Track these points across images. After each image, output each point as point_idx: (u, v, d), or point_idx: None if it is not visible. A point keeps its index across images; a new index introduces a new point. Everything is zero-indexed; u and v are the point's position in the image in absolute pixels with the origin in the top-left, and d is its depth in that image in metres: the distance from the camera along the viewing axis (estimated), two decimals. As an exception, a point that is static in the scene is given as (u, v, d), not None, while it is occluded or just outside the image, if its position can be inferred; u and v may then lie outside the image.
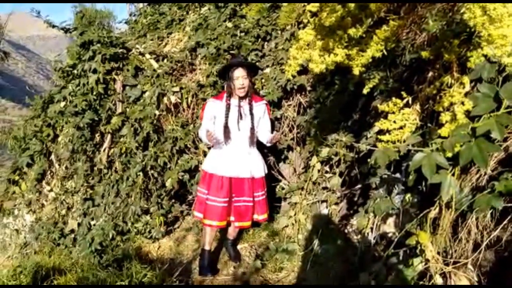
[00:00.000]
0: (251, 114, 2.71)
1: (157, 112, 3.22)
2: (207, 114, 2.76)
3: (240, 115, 2.70)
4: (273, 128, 3.04)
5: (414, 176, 1.68)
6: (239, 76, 2.61)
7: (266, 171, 2.88)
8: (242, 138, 2.72)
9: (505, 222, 1.49)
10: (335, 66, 1.38)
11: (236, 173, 2.71)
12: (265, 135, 2.78)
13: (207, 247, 2.81)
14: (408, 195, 1.95)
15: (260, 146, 2.89)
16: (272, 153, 3.37)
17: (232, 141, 2.69)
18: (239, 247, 3.09)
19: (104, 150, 3.30)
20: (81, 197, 3.31)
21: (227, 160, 2.70)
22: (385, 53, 1.42)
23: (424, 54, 1.44)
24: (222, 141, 2.67)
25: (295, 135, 3.30)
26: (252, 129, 2.71)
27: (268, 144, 2.79)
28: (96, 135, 3.33)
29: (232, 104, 2.70)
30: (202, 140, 2.89)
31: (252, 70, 2.80)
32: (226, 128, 2.66)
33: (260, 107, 2.78)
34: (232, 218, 2.81)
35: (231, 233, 2.96)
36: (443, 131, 1.39)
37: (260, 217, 2.85)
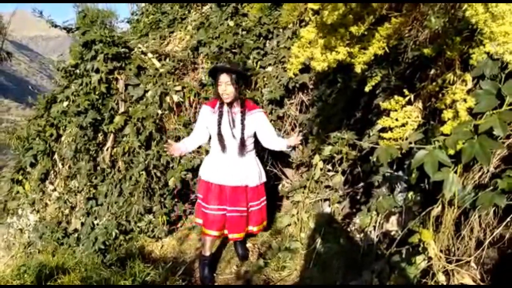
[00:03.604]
0: (242, 124, 2.54)
1: (159, 111, 3.23)
2: (200, 121, 2.65)
3: (233, 123, 2.55)
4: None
5: (417, 174, 1.67)
6: (222, 82, 2.46)
7: (265, 180, 2.75)
8: (235, 146, 2.57)
9: (508, 219, 1.49)
10: (337, 64, 1.38)
11: (224, 181, 2.60)
12: (275, 141, 2.63)
13: (207, 253, 2.75)
14: (410, 193, 1.95)
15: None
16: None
17: (226, 149, 2.56)
18: (242, 246, 3.09)
19: (107, 150, 3.31)
20: (85, 197, 3.32)
21: (217, 167, 2.60)
22: (387, 50, 1.41)
23: (426, 51, 1.44)
24: (183, 150, 2.61)
25: (297, 133, 3.29)
26: (242, 139, 2.55)
27: (289, 149, 2.75)
28: (99, 134, 3.34)
29: (224, 110, 2.56)
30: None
31: (240, 77, 2.54)
32: (220, 136, 2.53)
33: (255, 116, 2.58)
34: (225, 231, 2.70)
35: None
36: (446, 129, 1.38)
37: (255, 228, 2.74)
